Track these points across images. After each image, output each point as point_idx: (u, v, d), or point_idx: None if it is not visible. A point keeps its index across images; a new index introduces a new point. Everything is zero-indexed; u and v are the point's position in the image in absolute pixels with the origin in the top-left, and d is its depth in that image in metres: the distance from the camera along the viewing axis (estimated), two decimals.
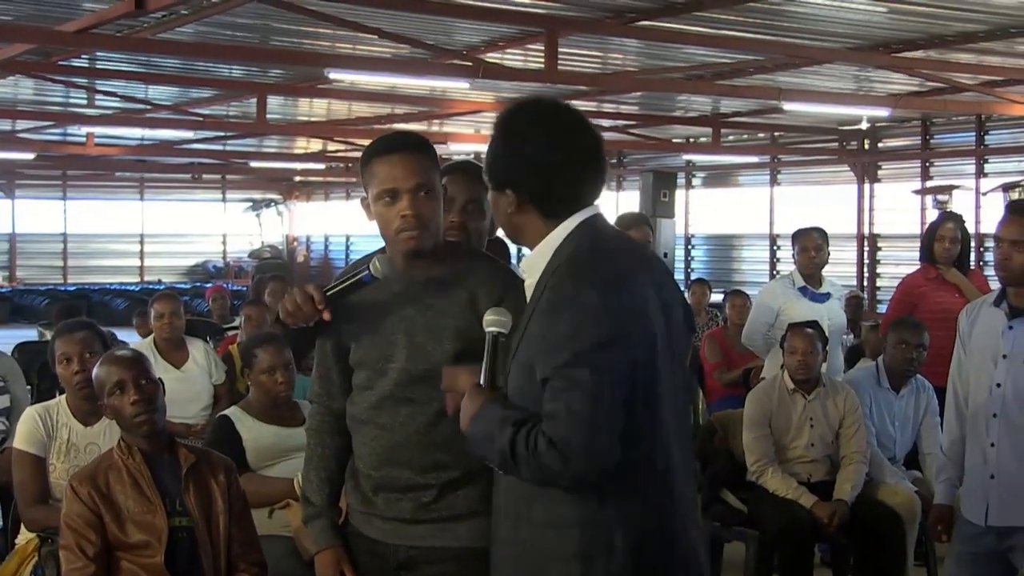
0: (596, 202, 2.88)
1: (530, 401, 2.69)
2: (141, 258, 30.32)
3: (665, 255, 15.84)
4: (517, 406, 2.73)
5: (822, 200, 18.95)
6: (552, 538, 2.73)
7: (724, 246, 20.37)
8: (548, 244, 2.81)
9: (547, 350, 2.65)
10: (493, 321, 2.89)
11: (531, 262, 2.86)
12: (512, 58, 12.36)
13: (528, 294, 2.86)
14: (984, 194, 16.27)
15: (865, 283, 18.42)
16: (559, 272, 2.73)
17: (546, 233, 2.82)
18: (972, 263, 7.69)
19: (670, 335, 2.78)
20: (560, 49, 10.07)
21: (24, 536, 4.66)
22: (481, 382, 2.84)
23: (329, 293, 3.20)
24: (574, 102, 15.82)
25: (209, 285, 19.70)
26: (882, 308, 15.19)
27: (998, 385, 4.26)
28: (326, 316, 3.19)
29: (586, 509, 2.70)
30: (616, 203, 21.90)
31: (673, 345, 2.80)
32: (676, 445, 2.81)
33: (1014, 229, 4.25)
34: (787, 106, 12.71)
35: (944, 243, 7.14)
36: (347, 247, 30.50)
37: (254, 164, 24.35)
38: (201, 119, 16.66)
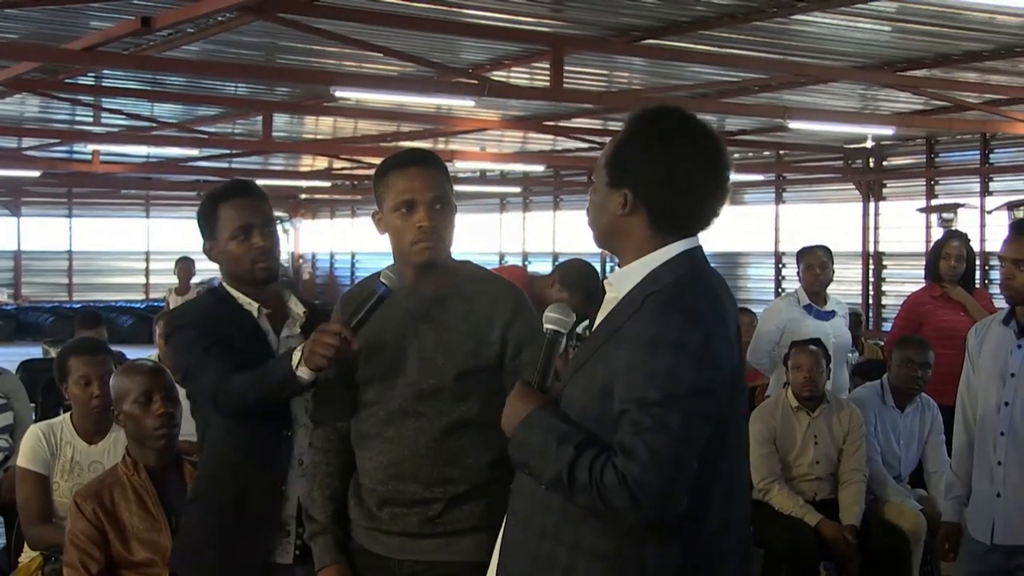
0: (700, 234, 2.71)
1: (593, 423, 2.55)
2: (146, 275, 30.33)
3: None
4: (574, 422, 2.58)
5: (827, 218, 18.93)
6: (579, 563, 2.58)
7: (729, 264, 20.34)
8: (644, 263, 2.65)
9: (637, 382, 2.47)
10: (553, 319, 2.79)
11: (621, 276, 2.69)
12: (518, 76, 12.37)
13: (606, 308, 2.71)
14: (989, 212, 16.25)
15: (870, 301, 18.39)
16: (661, 301, 2.55)
17: (646, 249, 2.65)
18: (977, 282, 7.69)
19: (737, 385, 2.65)
20: (566, 67, 10.06)
21: (27, 554, 4.66)
22: (533, 381, 2.72)
23: (355, 324, 3.20)
24: (579, 120, 15.94)
25: None
26: (887, 326, 15.17)
27: (1006, 403, 4.26)
28: (355, 346, 3.20)
29: (622, 545, 2.55)
30: None
31: (738, 397, 2.66)
32: (732, 503, 2.65)
33: (1017, 248, 4.25)
34: (792, 124, 12.70)
35: (949, 261, 7.14)
36: (352, 265, 30.51)
37: (260, 182, 24.31)
38: (207, 137, 16.67)
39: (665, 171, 2.62)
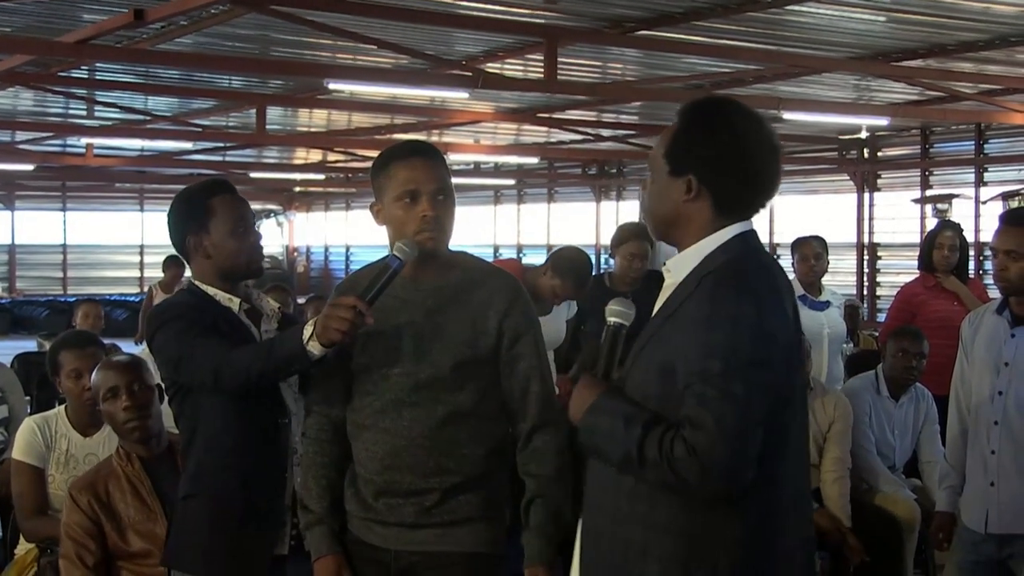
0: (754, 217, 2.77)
1: (655, 405, 2.60)
2: (141, 269, 30.29)
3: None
4: (639, 404, 2.62)
5: (822, 209, 18.96)
6: (652, 539, 2.62)
7: None
8: (701, 247, 2.70)
9: (698, 356, 2.53)
10: (616, 312, 2.81)
11: (679, 261, 2.75)
12: (512, 68, 12.37)
13: (665, 294, 2.76)
14: (984, 203, 16.28)
15: (865, 292, 18.42)
16: (716, 280, 2.61)
17: (706, 234, 2.70)
18: (971, 271, 7.70)
19: (793, 360, 2.71)
20: (559, 59, 10.06)
21: (23, 547, 4.66)
22: (596, 372, 2.75)
23: (370, 297, 3.18)
24: (573, 112, 15.95)
25: None
26: (882, 317, 15.18)
27: (1000, 393, 4.27)
28: (369, 320, 3.18)
29: (693, 519, 2.59)
30: (616, 213, 21.93)
31: (795, 371, 2.74)
32: (796, 473, 2.72)
33: (1009, 239, 4.26)
34: (787, 115, 12.71)
35: (943, 251, 7.14)
36: (347, 258, 30.52)
37: (254, 175, 24.34)
38: (201, 130, 16.66)
39: (728, 153, 2.67)
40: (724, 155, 2.67)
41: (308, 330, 3.25)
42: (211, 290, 3.66)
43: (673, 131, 2.75)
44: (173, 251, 3.82)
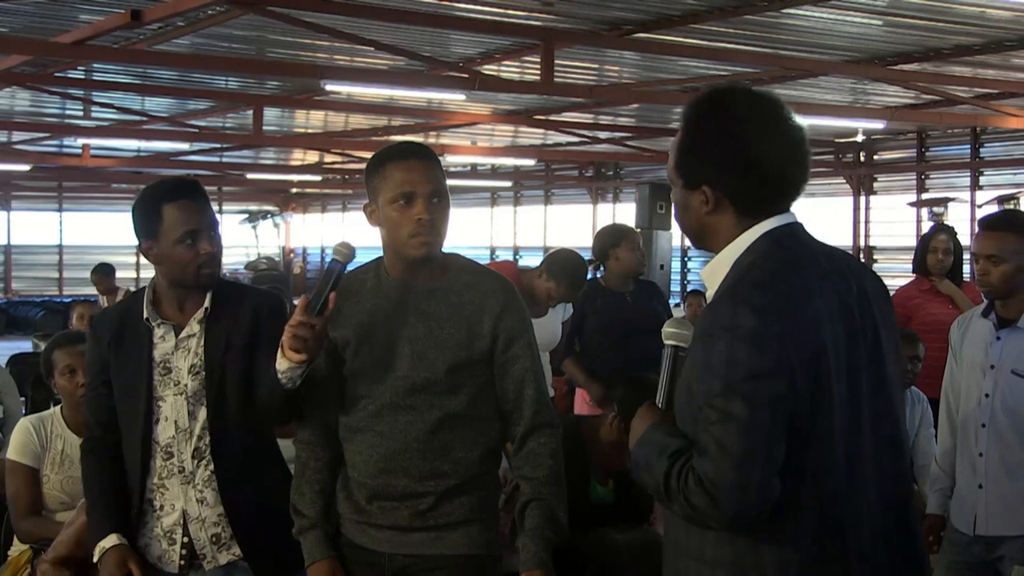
0: (792, 207, 2.59)
1: (689, 427, 2.46)
2: (137, 270, 30.22)
3: (661, 267, 15.84)
4: (680, 433, 2.48)
5: (818, 212, 18.96)
6: (705, 574, 2.49)
7: None
8: (729, 253, 2.55)
9: (702, 376, 2.39)
10: (672, 334, 2.69)
11: (711, 271, 2.59)
12: (508, 70, 12.38)
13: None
14: (979, 206, 16.28)
15: None
16: (723, 291, 2.48)
17: (736, 236, 2.55)
18: (966, 275, 7.70)
19: (823, 357, 2.43)
20: (556, 61, 10.06)
21: (17, 548, 4.65)
22: (658, 400, 2.64)
23: (315, 309, 3.10)
24: (569, 114, 15.95)
25: None
26: None
27: (987, 395, 4.28)
28: (318, 325, 3.11)
29: (737, 550, 2.44)
30: (613, 215, 21.93)
31: (826, 374, 2.43)
32: (860, 486, 2.47)
33: (989, 244, 4.27)
34: None
35: (937, 255, 7.15)
36: None
37: (250, 176, 24.37)
38: (197, 131, 16.66)
39: (738, 155, 2.51)
40: (733, 158, 2.51)
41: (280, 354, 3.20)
42: (149, 299, 3.62)
43: (678, 140, 2.61)
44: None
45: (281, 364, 3.18)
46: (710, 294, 2.57)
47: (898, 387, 2.62)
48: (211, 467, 3.56)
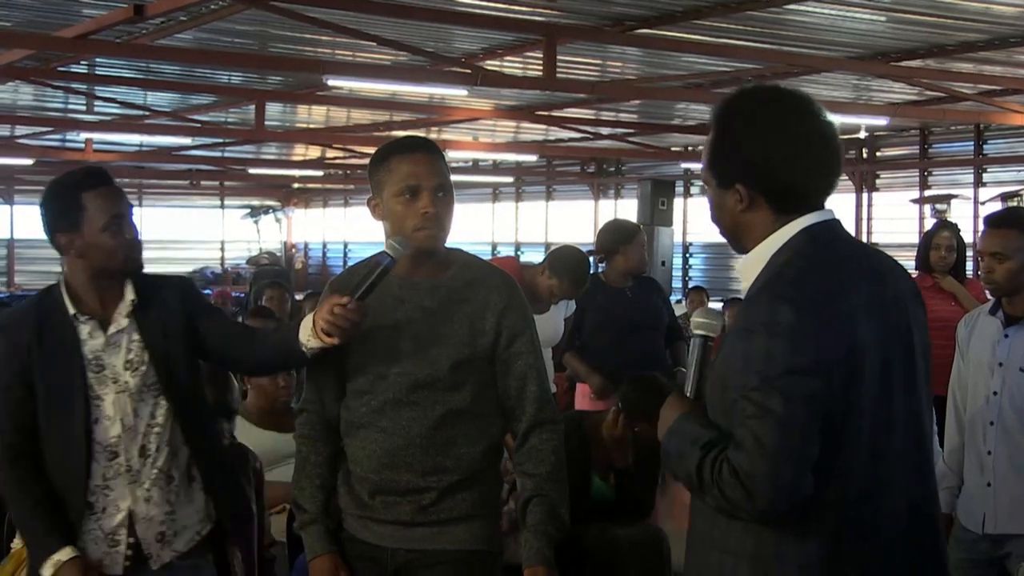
0: (827, 201, 2.63)
1: (721, 419, 2.48)
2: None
3: (663, 263, 15.85)
4: (712, 424, 2.50)
5: None
6: (727, 564, 2.51)
7: (722, 255, 20.34)
8: (765, 248, 2.56)
9: (739, 371, 2.40)
10: (701, 324, 2.70)
11: (746, 267, 2.61)
12: (511, 66, 12.36)
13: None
14: (982, 203, 16.28)
15: None
16: (760, 286, 2.49)
17: (772, 233, 2.56)
18: (969, 272, 7.70)
19: (858, 355, 2.44)
20: (559, 57, 10.06)
21: (19, 541, 4.65)
22: (687, 390, 2.65)
23: (358, 296, 3.15)
24: (571, 110, 15.94)
25: (208, 292, 19.69)
26: None
27: (995, 393, 4.27)
28: (362, 318, 3.17)
29: (760, 542, 2.46)
30: (614, 211, 21.92)
31: (861, 372, 2.44)
32: (886, 485, 2.49)
33: (993, 241, 4.28)
34: None
35: (940, 252, 7.14)
36: (345, 254, 30.50)
37: (252, 171, 24.38)
38: (199, 125, 16.66)
39: (770, 152, 2.54)
40: (766, 155, 2.53)
41: (307, 325, 3.24)
42: (67, 295, 3.47)
43: (710, 140, 2.63)
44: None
45: (311, 343, 3.21)
46: (744, 287, 2.58)
47: (926, 386, 2.62)
48: (158, 464, 3.46)
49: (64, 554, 3.40)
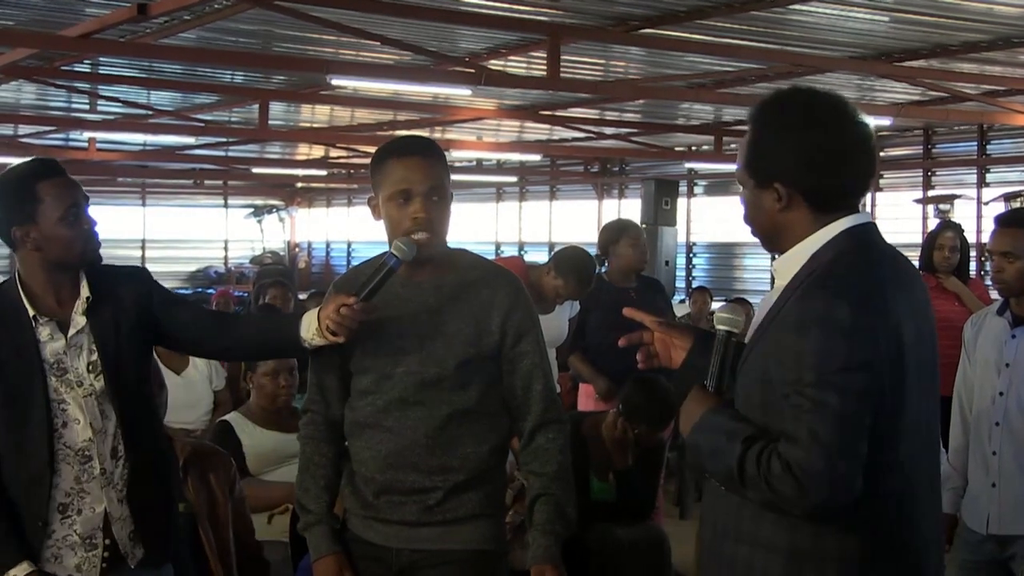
0: (861, 204, 2.67)
1: (758, 413, 2.50)
2: (142, 263, 30.26)
3: (667, 263, 15.83)
4: (745, 418, 2.52)
5: None
6: (758, 558, 2.52)
7: (726, 254, 20.32)
8: (806, 246, 2.58)
9: (791, 366, 2.41)
10: (725, 319, 2.69)
11: (784, 263, 2.62)
12: (515, 65, 12.35)
13: (773, 296, 2.63)
14: (986, 204, 16.25)
15: None
16: (812, 282, 2.50)
17: (811, 232, 2.59)
18: (973, 272, 7.71)
19: (905, 355, 2.50)
20: (563, 56, 10.05)
21: None
22: (708, 384, 2.65)
23: (363, 296, 3.17)
24: (575, 110, 15.93)
25: (212, 291, 19.71)
26: None
27: (1001, 394, 4.28)
28: (366, 317, 3.18)
29: (797, 537, 2.48)
30: (618, 211, 21.90)
31: (910, 371, 2.51)
32: (918, 485, 2.55)
33: (1003, 241, 4.29)
34: None
35: (943, 252, 7.15)
36: (348, 254, 30.49)
37: (256, 170, 24.36)
38: (203, 125, 16.64)
39: (809, 151, 2.56)
40: (804, 155, 2.56)
41: (310, 321, 3.24)
42: (23, 294, 3.37)
43: (748, 140, 2.66)
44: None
45: (315, 340, 3.22)
46: (780, 285, 2.60)
47: (938, 391, 2.67)
48: (128, 464, 3.41)
49: (21, 569, 3.28)
